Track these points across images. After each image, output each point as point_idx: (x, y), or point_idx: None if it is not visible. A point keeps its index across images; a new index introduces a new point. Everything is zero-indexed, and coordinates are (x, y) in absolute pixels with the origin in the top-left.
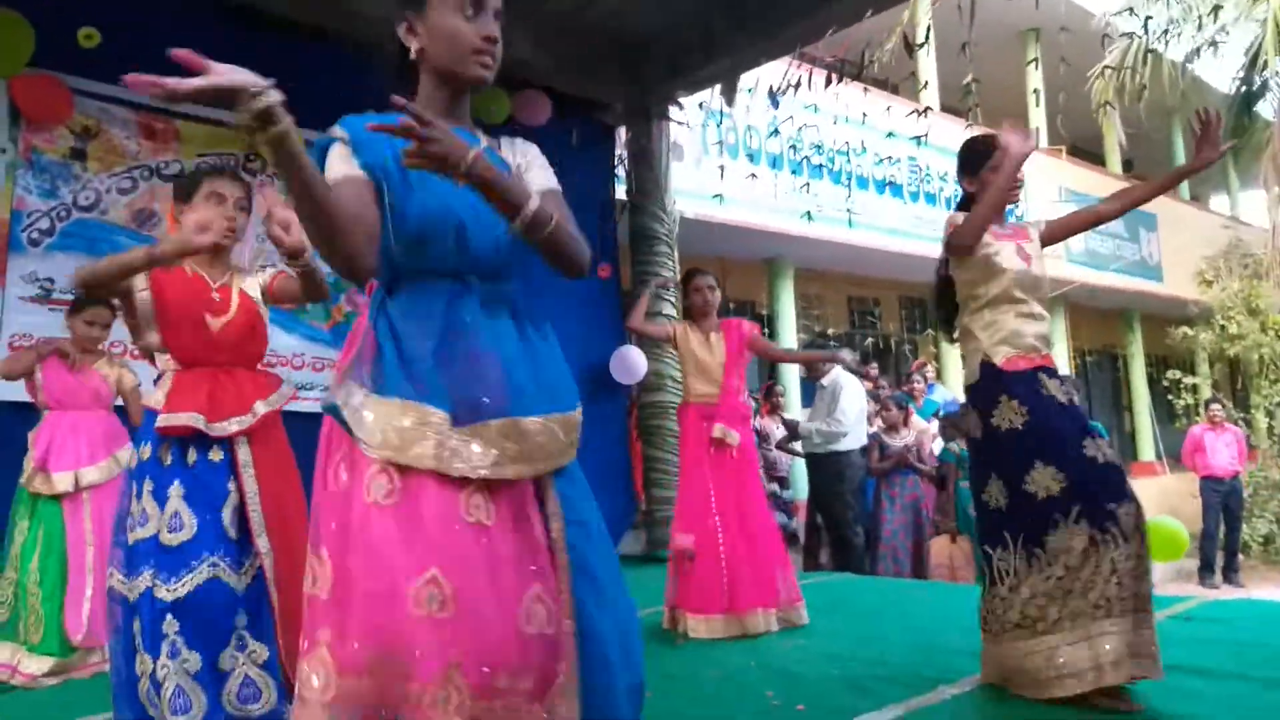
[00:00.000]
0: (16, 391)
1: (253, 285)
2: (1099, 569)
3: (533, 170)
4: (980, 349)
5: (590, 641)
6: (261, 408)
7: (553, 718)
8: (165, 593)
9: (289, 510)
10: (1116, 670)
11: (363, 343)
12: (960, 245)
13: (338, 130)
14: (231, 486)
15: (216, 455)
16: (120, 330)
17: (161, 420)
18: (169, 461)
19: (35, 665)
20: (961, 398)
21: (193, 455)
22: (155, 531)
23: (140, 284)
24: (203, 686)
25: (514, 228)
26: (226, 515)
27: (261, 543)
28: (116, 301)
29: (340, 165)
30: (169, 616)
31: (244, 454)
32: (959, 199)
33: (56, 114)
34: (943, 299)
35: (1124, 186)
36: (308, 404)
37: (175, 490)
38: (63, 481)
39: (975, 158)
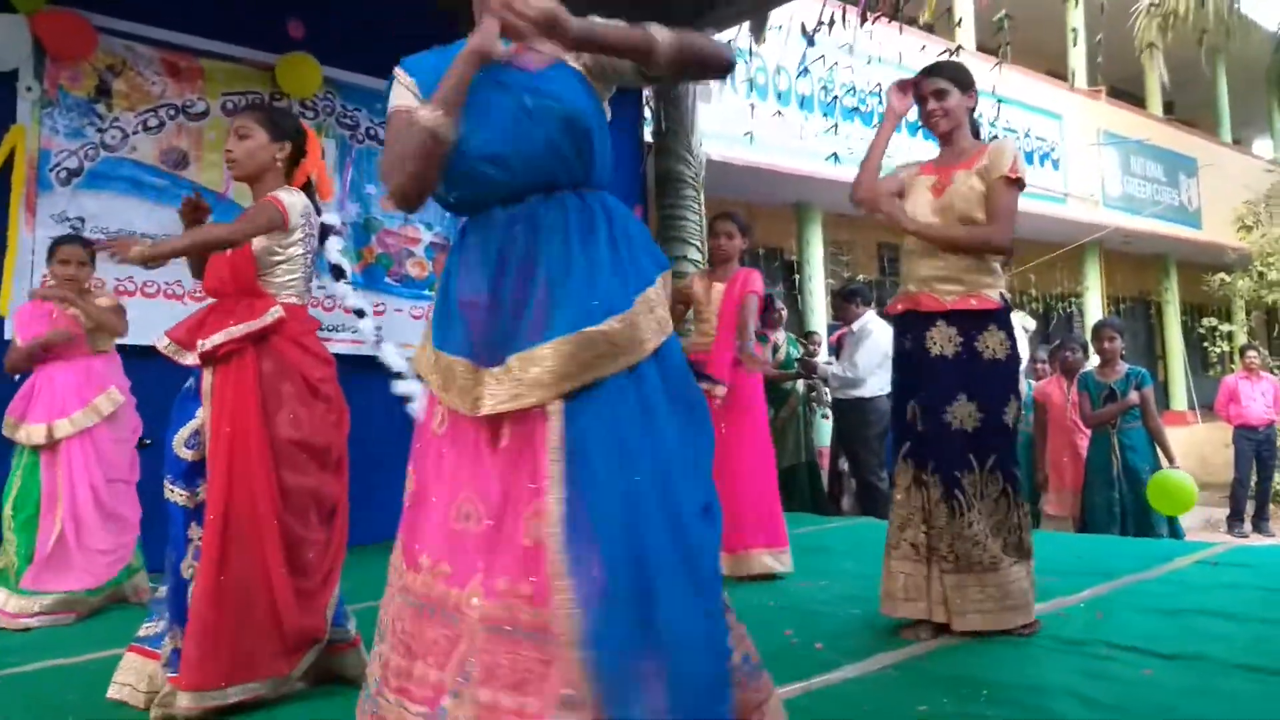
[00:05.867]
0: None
1: None
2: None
3: None
4: None
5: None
6: (202, 344)
7: (556, 624)
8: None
9: (237, 435)
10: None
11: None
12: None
13: (401, 73)
14: (199, 412)
15: (191, 384)
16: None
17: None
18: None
19: (14, 604)
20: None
21: (186, 382)
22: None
23: None
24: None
25: (655, 71)
26: (182, 436)
27: (210, 465)
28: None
29: (409, 101)
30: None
31: (207, 381)
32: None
33: (80, 50)
34: None
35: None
36: (339, 345)
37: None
38: (36, 434)
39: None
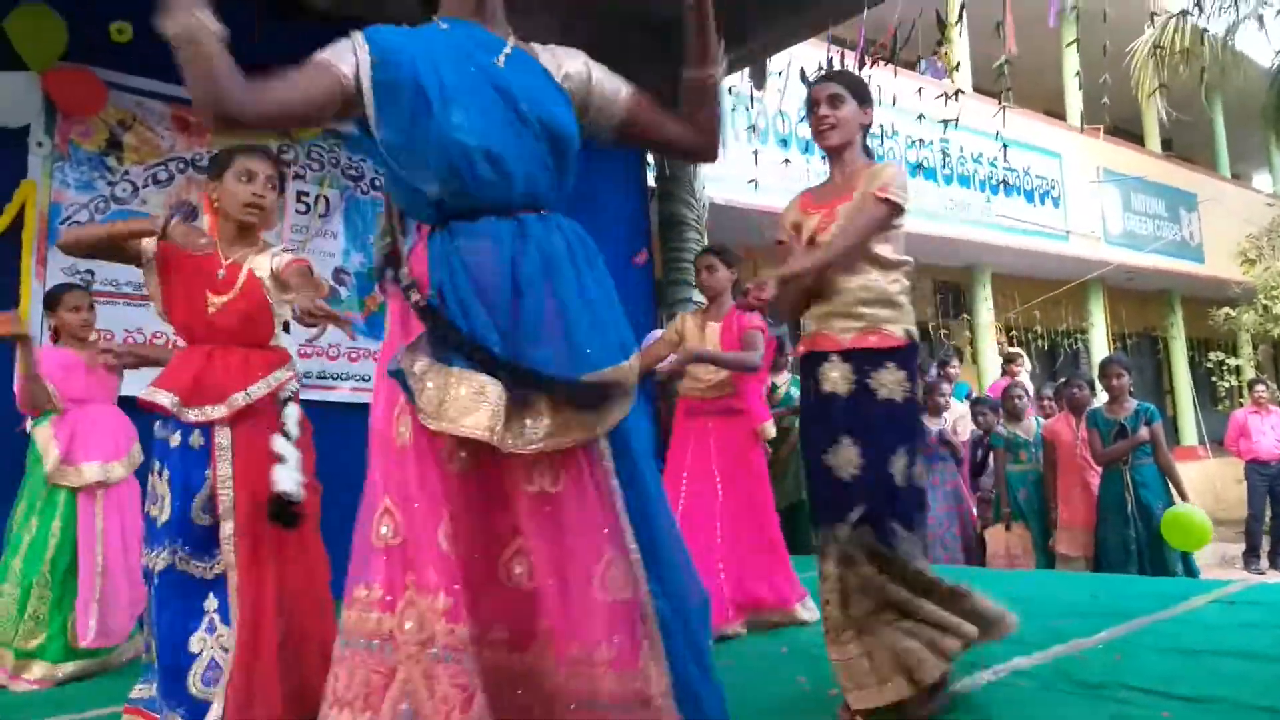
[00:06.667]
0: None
1: (263, 265)
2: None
3: (598, 73)
4: None
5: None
6: (240, 400)
7: (650, 685)
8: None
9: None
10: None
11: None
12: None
13: (359, 38)
14: (209, 474)
15: (198, 441)
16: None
17: (141, 393)
18: (174, 443)
19: (35, 670)
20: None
21: (177, 439)
22: (157, 512)
23: (149, 253)
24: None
25: (695, 76)
26: (197, 503)
27: (226, 528)
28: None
29: (329, 54)
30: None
31: (222, 438)
32: None
33: (90, 106)
34: None
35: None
36: (342, 394)
37: (164, 473)
38: (92, 472)
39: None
